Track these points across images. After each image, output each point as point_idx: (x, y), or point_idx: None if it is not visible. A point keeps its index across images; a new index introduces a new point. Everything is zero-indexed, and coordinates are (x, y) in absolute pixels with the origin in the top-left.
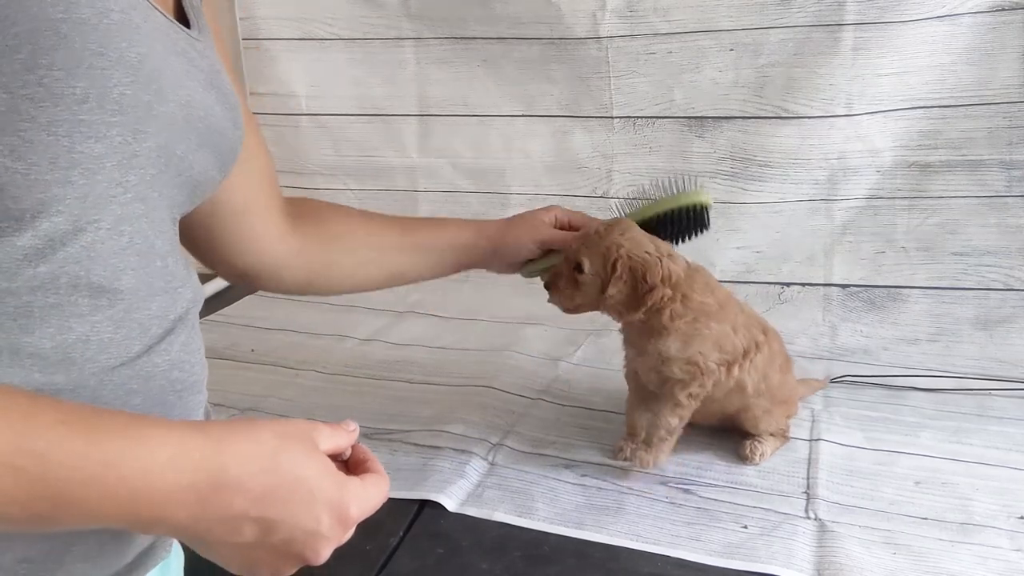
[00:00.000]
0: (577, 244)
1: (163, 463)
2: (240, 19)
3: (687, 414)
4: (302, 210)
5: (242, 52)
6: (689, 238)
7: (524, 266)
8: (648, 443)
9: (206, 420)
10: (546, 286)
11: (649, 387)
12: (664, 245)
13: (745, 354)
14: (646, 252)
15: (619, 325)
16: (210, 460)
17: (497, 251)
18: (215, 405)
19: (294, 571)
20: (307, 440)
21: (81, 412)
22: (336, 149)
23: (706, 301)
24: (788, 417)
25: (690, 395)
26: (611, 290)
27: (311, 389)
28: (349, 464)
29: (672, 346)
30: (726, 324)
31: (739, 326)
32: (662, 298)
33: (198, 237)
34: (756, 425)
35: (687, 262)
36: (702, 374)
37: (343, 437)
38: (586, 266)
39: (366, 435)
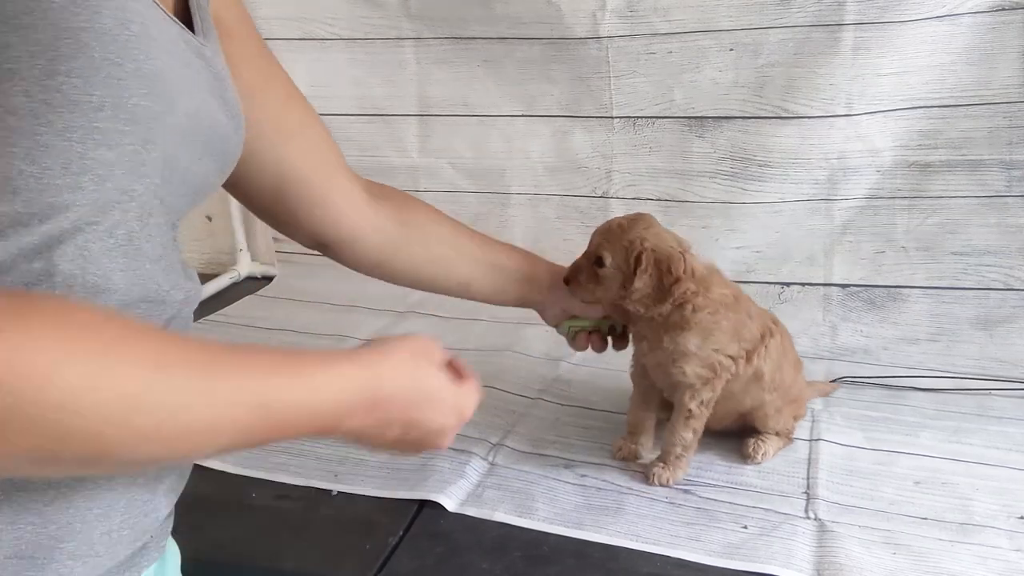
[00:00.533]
0: (598, 239)
1: (343, 390)
2: None
3: (700, 425)
4: (387, 193)
5: None
6: None
7: (566, 320)
8: (665, 460)
9: (355, 349)
10: (565, 280)
11: (657, 383)
12: (684, 241)
13: (761, 339)
14: (670, 246)
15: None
16: (371, 382)
17: (552, 290)
18: None
19: (415, 454)
20: (431, 356)
21: (280, 359)
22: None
23: (725, 292)
24: (796, 419)
25: (701, 403)
26: (637, 283)
27: None
28: (453, 370)
29: (692, 342)
30: (742, 313)
31: (754, 314)
32: (686, 292)
33: (269, 207)
34: (766, 423)
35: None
36: (715, 375)
37: (445, 352)
38: (607, 260)
39: None
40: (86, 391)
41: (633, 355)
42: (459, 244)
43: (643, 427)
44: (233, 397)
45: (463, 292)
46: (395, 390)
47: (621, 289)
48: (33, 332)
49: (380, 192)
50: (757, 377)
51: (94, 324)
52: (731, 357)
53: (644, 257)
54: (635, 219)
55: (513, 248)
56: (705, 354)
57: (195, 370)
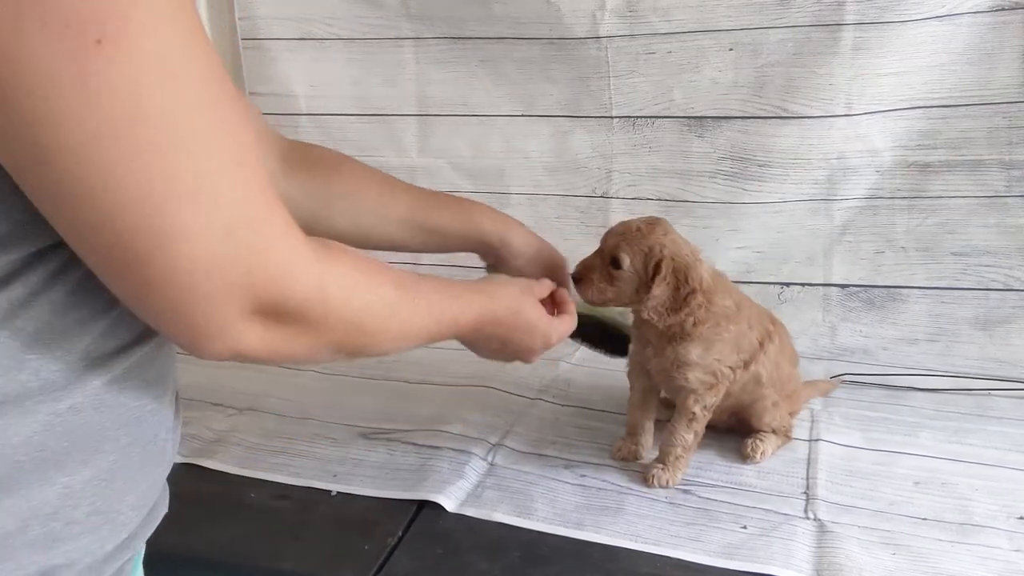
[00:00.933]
0: (615, 239)
1: (473, 311)
2: (240, 19)
3: (702, 428)
4: (312, 157)
5: (242, 52)
6: (600, 348)
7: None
8: (664, 461)
9: (481, 280)
10: (575, 279)
11: (659, 385)
12: (695, 248)
13: (760, 346)
14: (687, 255)
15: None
16: (488, 309)
17: (511, 258)
18: (214, 404)
19: (510, 362)
20: (533, 294)
21: (443, 285)
22: (336, 149)
23: (727, 304)
24: (792, 414)
25: (705, 407)
26: (655, 291)
27: (310, 389)
28: (554, 301)
29: (693, 352)
30: (743, 323)
31: (753, 321)
32: (699, 304)
33: None
34: (761, 418)
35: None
36: (717, 382)
37: (546, 290)
38: (625, 262)
39: (364, 435)
40: (369, 303)
41: (630, 356)
42: (388, 213)
43: (643, 427)
44: (431, 311)
45: (395, 250)
46: (503, 315)
47: (634, 293)
48: (339, 267)
49: (303, 157)
50: (755, 380)
51: (364, 260)
52: (730, 367)
53: (663, 264)
54: (653, 224)
55: (458, 204)
56: (707, 363)
57: (415, 291)
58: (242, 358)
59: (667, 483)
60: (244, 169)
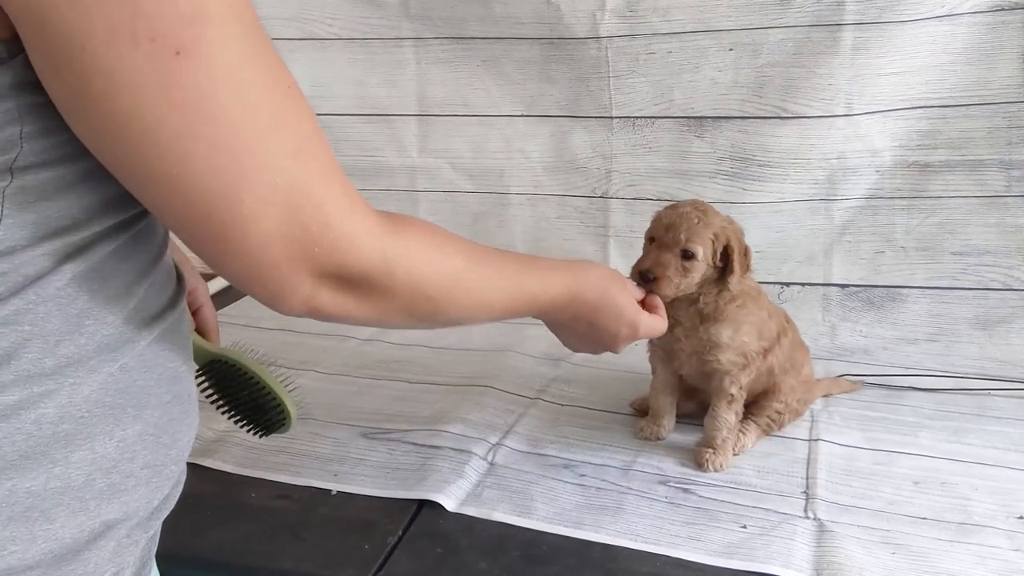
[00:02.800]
0: (684, 232)
1: (558, 288)
2: None
3: (741, 408)
4: None
5: None
6: (243, 416)
7: None
8: (712, 445)
9: (571, 260)
10: (654, 278)
11: (682, 370)
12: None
13: (778, 338)
14: (737, 227)
15: None
16: (574, 287)
17: None
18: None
19: (599, 353)
20: (624, 283)
21: (526, 261)
22: (336, 149)
23: (751, 284)
24: (803, 402)
25: (740, 387)
26: (738, 269)
27: (311, 389)
28: (644, 305)
29: (724, 333)
30: (763, 311)
31: (772, 312)
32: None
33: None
34: (779, 396)
35: None
36: (748, 363)
37: (639, 294)
38: (700, 253)
39: (365, 435)
40: (433, 273)
41: (651, 341)
42: None
43: (665, 410)
44: (505, 284)
45: None
46: (590, 296)
47: (699, 278)
48: (405, 238)
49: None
50: (769, 371)
51: (433, 230)
52: (755, 352)
53: (733, 244)
54: (703, 208)
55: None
56: (737, 344)
57: (487, 264)
58: (317, 316)
59: (720, 466)
60: (302, 157)
